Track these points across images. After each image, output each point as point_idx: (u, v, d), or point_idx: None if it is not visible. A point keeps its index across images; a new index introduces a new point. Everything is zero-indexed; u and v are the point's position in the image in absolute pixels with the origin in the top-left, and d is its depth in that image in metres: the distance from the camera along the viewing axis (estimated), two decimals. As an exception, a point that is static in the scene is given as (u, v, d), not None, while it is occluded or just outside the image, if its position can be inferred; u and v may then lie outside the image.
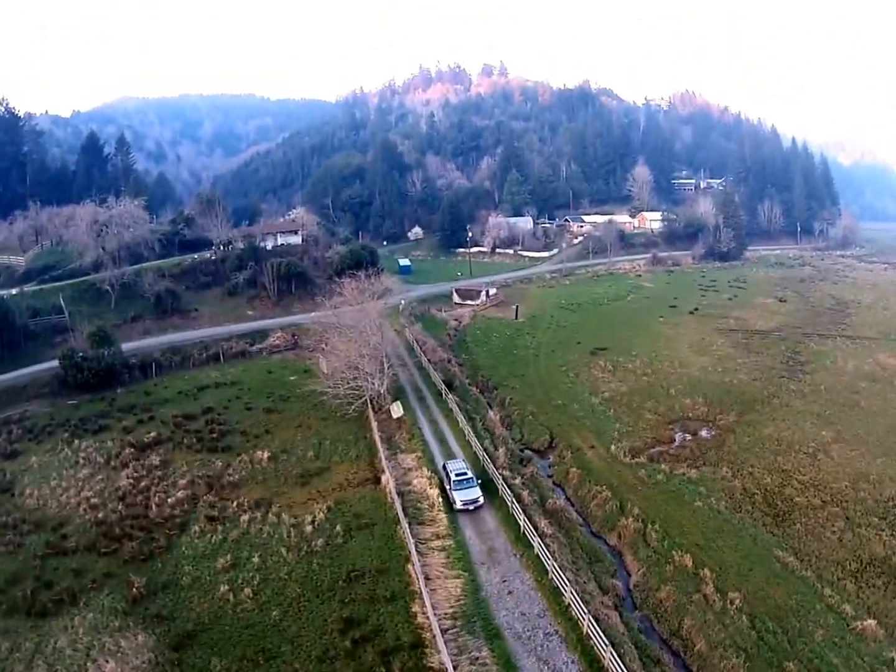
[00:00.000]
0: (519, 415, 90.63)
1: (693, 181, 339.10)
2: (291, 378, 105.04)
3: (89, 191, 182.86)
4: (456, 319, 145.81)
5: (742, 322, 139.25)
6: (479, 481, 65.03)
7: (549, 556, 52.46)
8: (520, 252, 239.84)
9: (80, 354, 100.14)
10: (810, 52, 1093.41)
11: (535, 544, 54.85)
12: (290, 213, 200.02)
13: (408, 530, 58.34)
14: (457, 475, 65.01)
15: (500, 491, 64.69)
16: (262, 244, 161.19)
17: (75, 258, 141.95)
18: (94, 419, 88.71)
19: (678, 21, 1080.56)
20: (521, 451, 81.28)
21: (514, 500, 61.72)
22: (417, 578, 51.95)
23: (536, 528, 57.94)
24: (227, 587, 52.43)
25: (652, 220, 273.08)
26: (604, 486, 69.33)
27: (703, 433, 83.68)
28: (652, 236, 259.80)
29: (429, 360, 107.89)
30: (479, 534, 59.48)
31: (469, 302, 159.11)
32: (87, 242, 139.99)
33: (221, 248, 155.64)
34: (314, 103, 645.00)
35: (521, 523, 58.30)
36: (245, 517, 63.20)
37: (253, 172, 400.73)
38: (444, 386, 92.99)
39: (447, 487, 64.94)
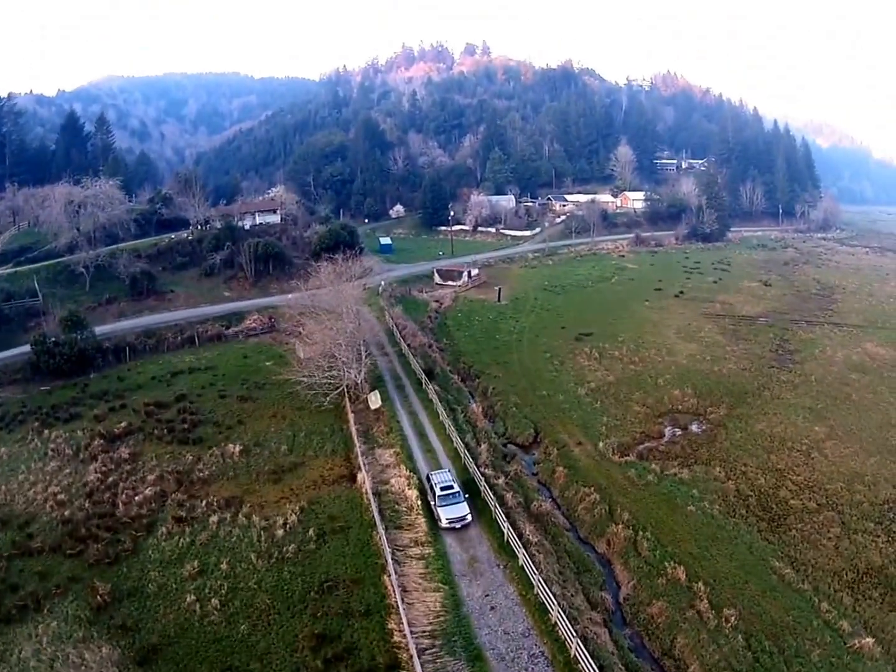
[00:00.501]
0: (502, 406, 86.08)
1: (675, 161, 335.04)
2: (267, 363, 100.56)
3: (68, 171, 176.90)
4: (437, 301, 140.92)
5: (728, 307, 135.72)
6: (467, 496, 59.43)
7: (535, 570, 48.68)
8: (502, 231, 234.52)
9: (53, 339, 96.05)
10: (788, 38, 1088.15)
11: (520, 555, 50.99)
12: (270, 191, 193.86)
13: (384, 536, 54.35)
14: (442, 489, 59.08)
15: (482, 493, 60.69)
16: (239, 223, 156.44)
17: (50, 239, 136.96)
18: (65, 407, 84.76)
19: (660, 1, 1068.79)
20: (505, 445, 77.06)
21: (497, 504, 57.81)
22: (394, 591, 48.09)
23: (521, 536, 54.24)
24: (193, 597, 48.77)
25: (635, 200, 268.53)
26: (592, 488, 65.21)
27: (694, 427, 79.87)
28: (635, 216, 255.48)
29: (409, 345, 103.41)
30: (460, 541, 55.42)
31: (450, 283, 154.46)
32: (61, 224, 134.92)
33: (199, 227, 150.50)
34: (298, 82, 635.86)
35: (506, 531, 54.37)
36: (214, 518, 59.15)
37: (236, 150, 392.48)
38: (423, 375, 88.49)
39: (431, 503, 59.13)
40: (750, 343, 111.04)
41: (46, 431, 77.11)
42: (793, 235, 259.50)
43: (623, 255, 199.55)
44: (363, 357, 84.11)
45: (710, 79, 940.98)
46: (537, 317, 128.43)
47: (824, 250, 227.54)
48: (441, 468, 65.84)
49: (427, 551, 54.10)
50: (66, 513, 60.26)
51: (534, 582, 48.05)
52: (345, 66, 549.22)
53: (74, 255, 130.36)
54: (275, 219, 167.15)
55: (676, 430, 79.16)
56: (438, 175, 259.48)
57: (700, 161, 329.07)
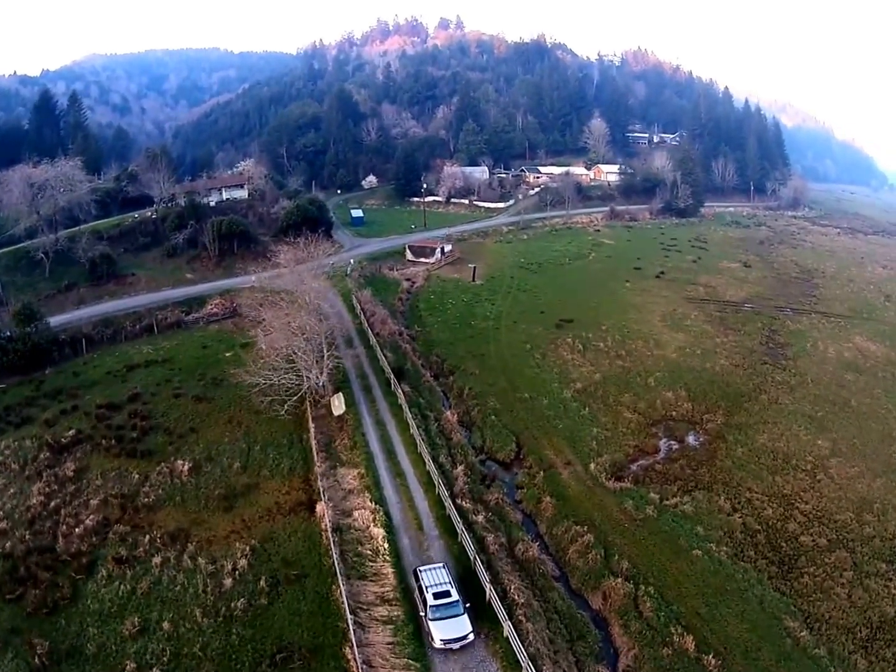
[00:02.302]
0: (480, 412, 73.93)
1: (647, 135, 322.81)
2: (227, 354, 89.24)
3: (40, 150, 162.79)
4: (409, 280, 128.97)
5: (711, 291, 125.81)
6: (468, 604, 42.73)
7: (521, 646, 38.48)
8: (475, 202, 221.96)
9: (6, 335, 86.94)
10: (755, 18, 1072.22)
11: (505, 627, 40.28)
12: (239, 164, 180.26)
13: (345, 593, 43.87)
14: (436, 595, 42.53)
15: (459, 536, 49.78)
16: (206, 200, 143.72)
17: (11, 225, 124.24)
18: (18, 408, 76.26)
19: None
20: (484, 462, 65.83)
21: (477, 554, 47.08)
22: (357, 668, 38.04)
23: (505, 594, 43.60)
24: (134, 664, 40.46)
25: (609, 173, 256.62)
26: (584, 526, 54.25)
27: (691, 439, 69.83)
28: (608, 189, 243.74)
29: (377, 333, 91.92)
30: (433, 599, 44.37)
31: (423, 260, 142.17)
32: (20, 209, 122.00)
33: (164, 205, 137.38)
34: (275, 56, 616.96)
35: (487, 591, 43.47)
36: (157, 559, 50.05)
37: (213, 123, 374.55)
38: (392, 374, 76.49)
39: (420, 612, 42.75)
40: (739, 334, 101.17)
41: None
42: (764, 213, 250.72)
43: (598, 230, 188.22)
44: (325, 357, 71.65)
45: (679, 56, 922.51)
46: (514, 299, 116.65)
47: (797, 229, 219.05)
48: (412, 499, 54.97)
49: (395, 613, 43.74)
50: (8, 545, 52.67)
51: (521, 661, 37.85)
52: (321, 39, 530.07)
53: (34, 240, 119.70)
54: (242, 194, 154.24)
55: (672, 442, 68.93)
56: (412, 146, 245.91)
57: (672, 135, 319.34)
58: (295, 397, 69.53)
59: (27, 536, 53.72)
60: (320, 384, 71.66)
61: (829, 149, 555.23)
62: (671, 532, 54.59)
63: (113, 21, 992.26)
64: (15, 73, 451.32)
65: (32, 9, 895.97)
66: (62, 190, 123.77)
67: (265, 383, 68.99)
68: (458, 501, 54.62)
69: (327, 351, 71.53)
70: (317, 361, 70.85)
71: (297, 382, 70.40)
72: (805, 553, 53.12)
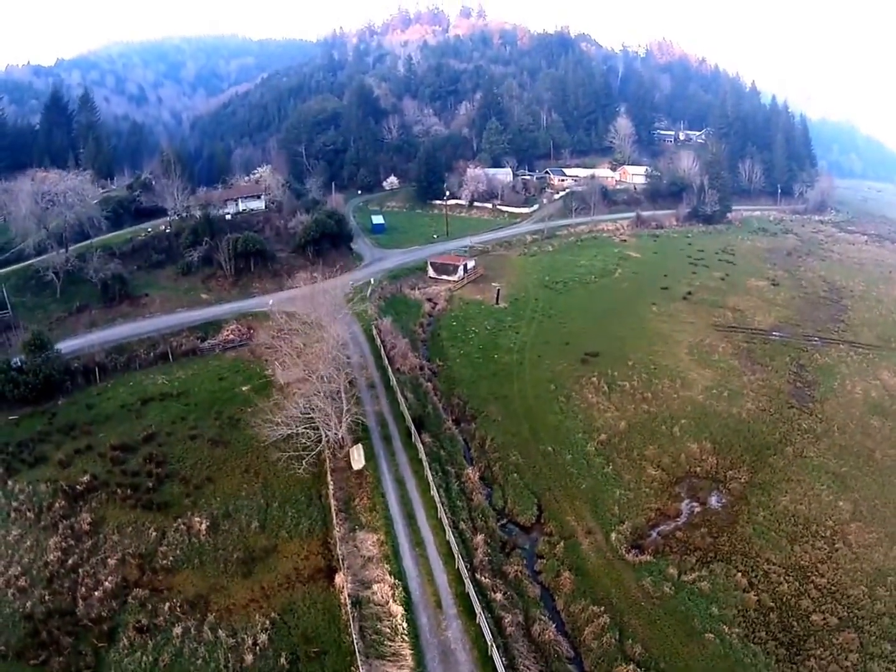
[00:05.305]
0: (501, 468, 73.03)
1: (672, 133, 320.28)
2: (244, 388, 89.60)
3: (50, 153, 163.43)
4: (431, 300, 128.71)
5: (739, 316, 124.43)
6: None
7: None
8: (499, 207, 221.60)
9: (17, 365, 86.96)
10: (781, 9, 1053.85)
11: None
12: (256, 171, 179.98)
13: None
14: None
15: (477, 618, 49.86)
16: (221, 212, 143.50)
17: (20, 241, 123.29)
18: (31, 444, 76.73)
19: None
20: (504, 526, 65.24)
21: (493, 637, 47.15)
22: None
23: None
24: None
25: (634, 175, 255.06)
26: (601, 605, 54.25)
27: (713, 501, 69.11)
28: (635, 193, 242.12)
29: (398, 368, 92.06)
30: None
31: (445, 277, 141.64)
32: (27, 227, 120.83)
33: (178, 217, 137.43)
34: (295, 43, 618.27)
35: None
36: (178, 629, 50.76)
37: (231, 115, 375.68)
38: (413, 426, 75.84)
39: None
40: (767, 370, 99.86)
41: (10, 482, 69.33)
42: (791, 217, 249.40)
43: (625, 240, 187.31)
44: (345, 412, 71.54)
45: (703, 47, 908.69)
46: (539, 327, 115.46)
47: (824, 237, 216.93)
48: (431, 573, 55.37)
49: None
50: (28, 605, 53.67)
51: None
52: (341, 27, 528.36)
53: (44, 256, 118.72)
54: (259, 205, 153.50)
55: (695, 504, 68.16)
56: (433, 145, 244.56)
57: (698, 133, 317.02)
58: (313, 453, 69.21)
59: (46, 597, 54.38)
60: (340, 436, 71.53)
61: (854, 143, 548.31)
62: (686, 612, 54.61)
63: (129, 7, 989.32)
64: (28, 63, 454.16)
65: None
66: (72, 207, 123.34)
67: (282, 436, 69.22)
68: (478, 576, 54.64)
69: (347, 404, 71.30)
70: (337, 416, 70.62)
71: (315, 438, 70.18)
72: (815, 633, 53.27)
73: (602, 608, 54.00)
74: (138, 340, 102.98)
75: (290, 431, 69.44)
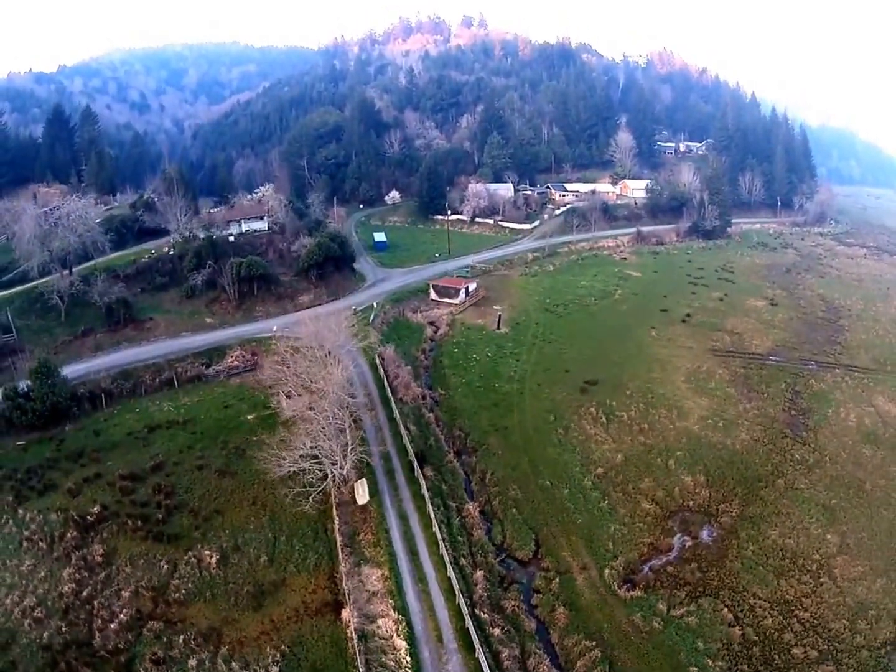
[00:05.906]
0: (501, 503, 75.54)
1: (673, 144, 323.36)
2: (249, 417, 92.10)
3: (53, 168, 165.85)
4: (433, 324, 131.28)
5: (737, 339, 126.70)
6: None
7: None
8: (500, 223, 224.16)
9: (24, 391, 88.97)
10: (778, 17, 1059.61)
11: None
12: (258, 189, 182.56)
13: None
14: None
15: (476, 652, 52.77)
16: (224, 233, 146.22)
17: (23, 262, 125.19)
18: (39, 471, 79.01)
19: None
20: (503, 561, 67.77)
21: (491, 671, 50.79)
22: None
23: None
24: None
25: (635, 189, 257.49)
26: (593, 640, 57.66)
27: (704, 535, 71.99)
28: (635, 208, 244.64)
29: (400, 399, 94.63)
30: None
31: (447, 300, 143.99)
32: (31, 249, 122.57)
33: (181, 237, 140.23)
34: (297, 51, 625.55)
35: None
36: (193, 661, 53.54)
37: (233, 125, 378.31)
38: (415, 460, 78.42)
39: None
40: (762, 398, 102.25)
41: (21, 510, 71.76)
42: (790, 230, 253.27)
43: (625, 258, 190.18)
44: (349, 448, 73.72)
45: (703, 58, 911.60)
46: (539, 353, 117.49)
47: (823, 251, 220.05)
48: (433, 608, 58.19)
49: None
50: (45, 635, 55.99)
51: None
52: (343, 36, 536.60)
53: (49, 278, 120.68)
54: (262, 226, 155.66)
55: (686, 538, 71.02)
56: (435, 160, 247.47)
57: (698, 144, 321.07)
58: (318, 490, 71.28)
59: (63, 628, 56.61)
60: (345, 472, 73.65)
61: (853, 148, 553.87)
62: (673, 646, 57.71)
63: (131, 14, 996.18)
64: (31, 70, 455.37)
65: (49, 3, 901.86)
66: (75, 231, 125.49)
67: (288, 472, 71.71)
68: (477, 611, 57.47)
69: (352, 443, 73.69)
70: (342, 453, 72.77)
71: (320, 475, 72.27)
72: (795, 666, 56.10)
73: (594, 642, 57.17)
74: (144, 366, 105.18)
75: (295, 468, 71.81)
